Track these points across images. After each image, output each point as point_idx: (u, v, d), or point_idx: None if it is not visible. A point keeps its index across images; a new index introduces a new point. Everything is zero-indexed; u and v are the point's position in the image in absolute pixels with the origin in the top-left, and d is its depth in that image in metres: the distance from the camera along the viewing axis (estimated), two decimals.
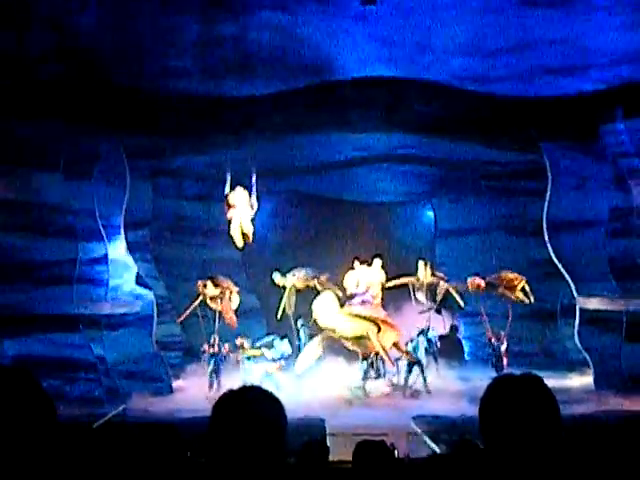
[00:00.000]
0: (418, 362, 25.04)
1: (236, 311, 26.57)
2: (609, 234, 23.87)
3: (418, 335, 25.61)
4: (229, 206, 26.31)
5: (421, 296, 27.44)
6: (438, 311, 27.85)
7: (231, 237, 26.64)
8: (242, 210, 26.26)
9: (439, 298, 27.37)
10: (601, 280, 23.83)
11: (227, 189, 26.10)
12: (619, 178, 23.41)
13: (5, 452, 2.45)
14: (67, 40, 19.00)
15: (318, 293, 25.71)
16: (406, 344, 25.37)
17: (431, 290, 27.48)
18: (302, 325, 26.96)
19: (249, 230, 26.49)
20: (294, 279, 27.30)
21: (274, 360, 25.26)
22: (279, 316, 27.20)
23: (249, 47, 20.01)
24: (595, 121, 23.14)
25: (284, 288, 27.41)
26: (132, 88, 21.84)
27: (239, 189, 26.32)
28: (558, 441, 2.91)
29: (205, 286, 26.11)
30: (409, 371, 24.98)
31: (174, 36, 19.31)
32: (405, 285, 27.39)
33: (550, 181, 24.96)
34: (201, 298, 26.24)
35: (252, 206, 26.15)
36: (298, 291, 27.49)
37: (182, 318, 26.65)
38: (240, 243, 26.64)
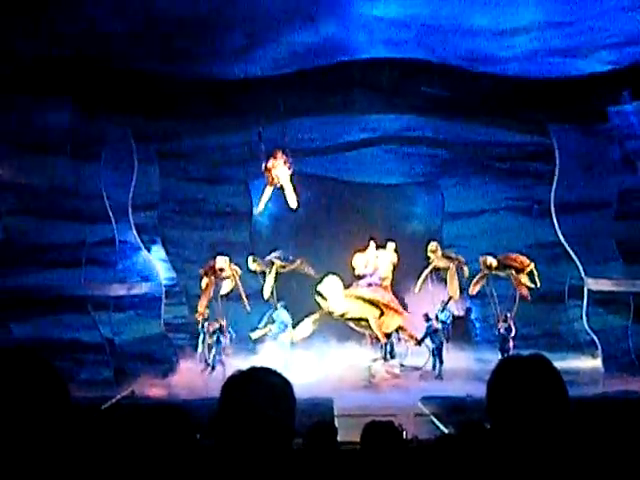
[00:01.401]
0: (434, 345, 25.03)
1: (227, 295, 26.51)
2: (617, 216, 23.84)
3: (435, 317, 25.47)
4: (269, 171, 25.45)
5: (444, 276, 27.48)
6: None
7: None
8: (281, 172, 25.51)
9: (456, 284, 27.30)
10: (609, 262, 23.84)
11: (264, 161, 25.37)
12: (627, 160, 23.40)
13: (19, 432, 2.47)
14: (76, 23, 18.95)
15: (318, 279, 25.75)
16: (429, 325, 25.20)
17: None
18: (283, 307, 26.77)
19: (291, 191, 25.83)
20: (280, 263, 27.07)
21: (279, 333, 25.44)
22: (266, 297, 26.96)
23: (256, 29, 19.96)
24: (603, 103, 23.09)
25: (262, 273, 27.21)
26: (140, 71, 21.85)
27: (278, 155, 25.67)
28: (565, 422, 2.92)
29: (207, 273, 25.89)
30: (434, 355, 25.02)
31: (181, 19, 19.24)
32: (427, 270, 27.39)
33: (558, 163, 24.94)
34: (206, 284, 26.07)
35: (289, 166, 25.45)
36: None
37: (203, 309, 26.24)
38: (261, 207, 26.06)
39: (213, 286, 25.66)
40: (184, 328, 27.84)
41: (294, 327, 25.51)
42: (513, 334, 24.92)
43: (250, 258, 26.87)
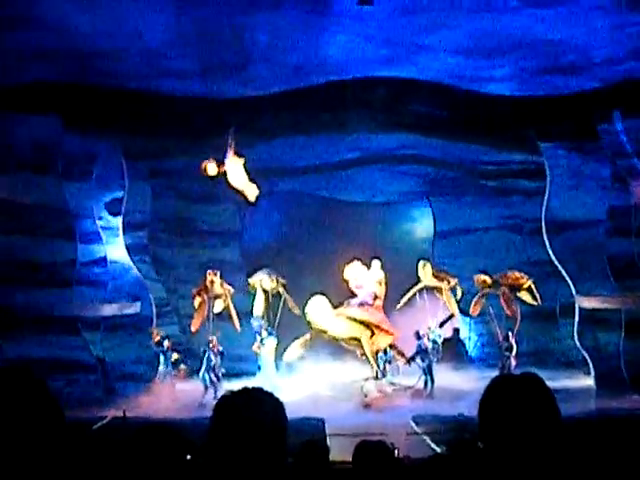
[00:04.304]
0: (425, 363, 24.98)
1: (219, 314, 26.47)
2: (608, 233, 23.89)
3: (425, 336, 25.38)
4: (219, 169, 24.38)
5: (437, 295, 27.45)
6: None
7: (235, 190, 25.11)
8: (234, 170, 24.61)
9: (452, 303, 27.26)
10: (600, 279, 23.86)
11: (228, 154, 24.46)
12: (617, 177, 23.45)
13: (13, 453, 2.46)
14: (65, 40, 18.96)
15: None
16: (420, 343, 25.15)
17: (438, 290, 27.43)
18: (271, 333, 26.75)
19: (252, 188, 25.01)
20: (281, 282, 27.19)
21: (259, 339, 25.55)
22: (259, 314, 26.84)
23: (247, 48, 19.99)
24: (593, 120, 23.16)
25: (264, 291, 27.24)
26: (131, 89, 21.86)
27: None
28: (557, 441, 2.91)
29: (199, 293, 25.87)
30: (425, 373, 24.97)
31: (173, 37, 19.27)
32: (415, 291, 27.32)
33: (548, 181, 25.00)
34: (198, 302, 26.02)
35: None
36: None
37: (196, 327, 26.10)
38: (253, 196, 25.02)
39: (207, 305, 25.62)
40: (175, 347, 27.74)
41: (284, 349, 25.50)
42: (515, 353, 24.83)
43: (266, 276, 26.83)
